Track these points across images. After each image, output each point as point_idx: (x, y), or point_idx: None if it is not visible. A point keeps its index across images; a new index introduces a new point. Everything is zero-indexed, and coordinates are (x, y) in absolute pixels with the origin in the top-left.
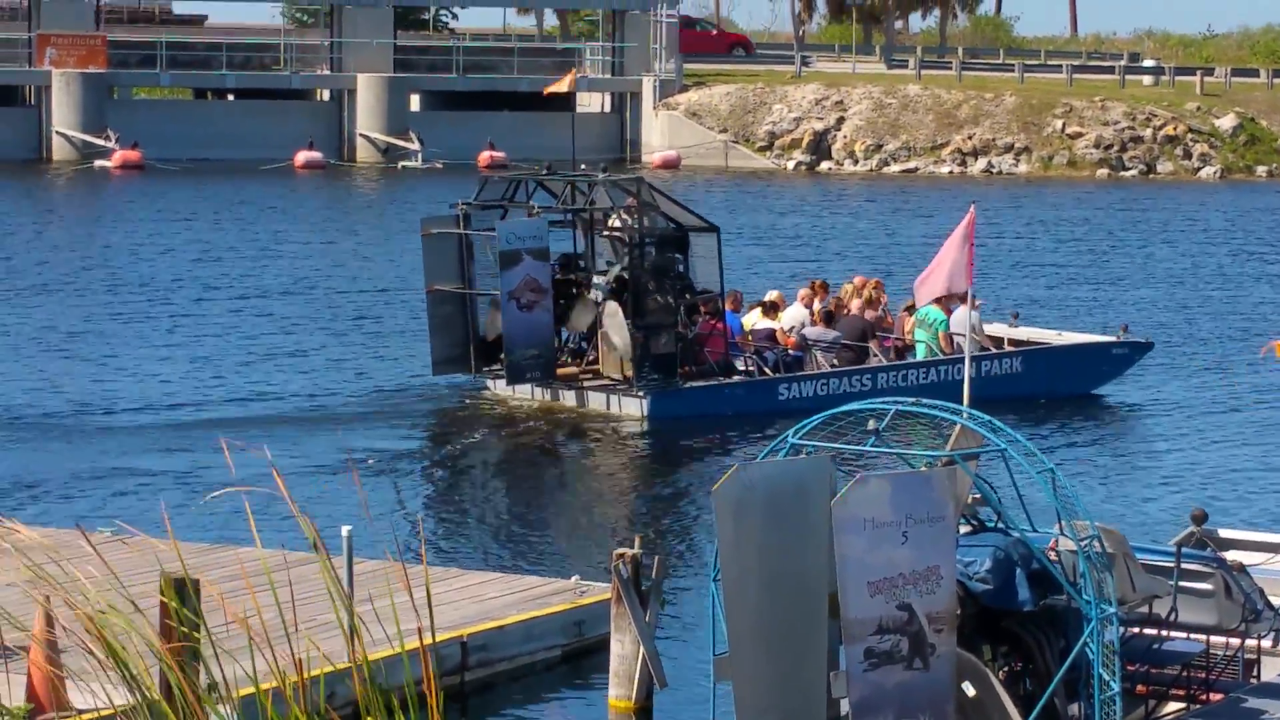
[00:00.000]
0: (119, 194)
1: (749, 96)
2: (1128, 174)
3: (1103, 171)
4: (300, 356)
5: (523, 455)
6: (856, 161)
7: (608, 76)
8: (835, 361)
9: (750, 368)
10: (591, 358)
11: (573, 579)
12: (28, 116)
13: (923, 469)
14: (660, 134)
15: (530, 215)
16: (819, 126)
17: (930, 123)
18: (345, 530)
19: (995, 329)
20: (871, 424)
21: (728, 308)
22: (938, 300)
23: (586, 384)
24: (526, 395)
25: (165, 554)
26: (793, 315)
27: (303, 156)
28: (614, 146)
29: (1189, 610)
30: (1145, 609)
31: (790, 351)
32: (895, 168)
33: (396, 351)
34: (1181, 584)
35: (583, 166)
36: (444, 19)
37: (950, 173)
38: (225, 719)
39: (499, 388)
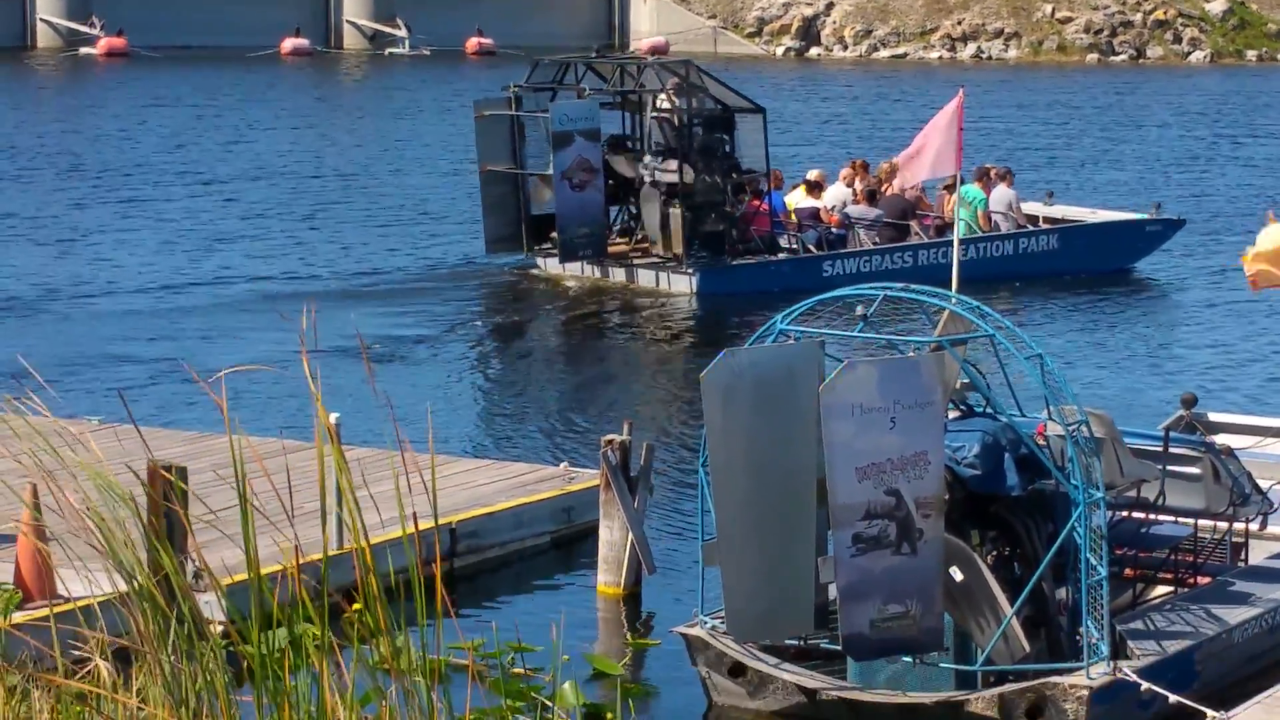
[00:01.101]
0: (107, 81)
1: None
2: (1117, 59)
3: (1092, 57)
4: (329, 239)
5: (550, 337)
6: (846, 47)
7: None
8: (877, 239)
9: (793, 246)
10: (640, 236)
11: (561, 465)
12: (12, 3)
13: (911, 354)
14: (649, 20)
15: (580, 97)
16: (808, 12)
17: (920, 8)
18: (334, 416)
19: (1030, 207)
20: (860, 310)
21: (771, 187)
22: (980, 180)
23: (636, 261)
24: (577, 273)
25: (155, 442)
26: (835, 194)
27: (289, 44)
28: (602, 32)
29: (1177, 494)
30: (1133, 493)
31: (833, 229)
32: (884, 53)
33: (440, 232)
34: (1169, 468)
35: (632, 51)
36: None
37: (940, 58)
38: (216, 605)
39: (550, 266)
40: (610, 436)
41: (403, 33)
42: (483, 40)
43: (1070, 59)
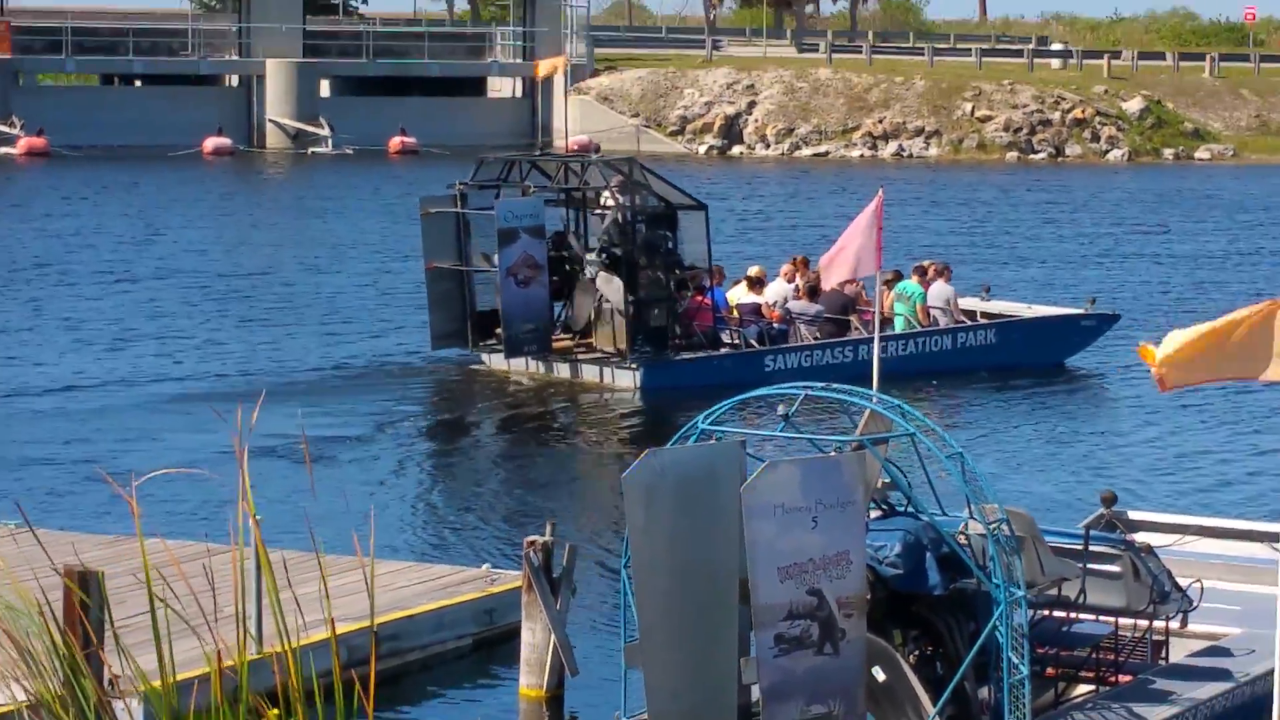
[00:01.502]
0: (26, 181)
1: (660, 81)
2: (1037, 157)
3: (1012, 155)
4: (253, 337)
5: (488, 434)
6: (768, 145)
7: (519, 61)
8: (818, 334)
9: (736, 341)
10: (584, 329)
11: (484, 567)
12: None
13: (832, 454)
14: (572, 119)
15: (525, 194)
16: (730, 111)
17: (841, 106)
18: (253, 520)
19: (968, 302)
20: (781, 409)
21: (714, 283)
22: (917, 275)
23: (581, 357)
24: (522, 368)
25: (74, 547)
26: (776, 290)
27: (211, 143)
28: (526, 131)
29: (1097, 592)
30: (1054, 591)
31: (774, 325)
32: (807, 151)
33: (372, 330)
34: (1090, 566)
35: (559, 149)
36: (354, 3)
37: (861, 156)
38: (131, 713)
39: (495, 362)
40: (532, 538)
41: (325, 132)
42: (406, 140)
43: (990, 157)
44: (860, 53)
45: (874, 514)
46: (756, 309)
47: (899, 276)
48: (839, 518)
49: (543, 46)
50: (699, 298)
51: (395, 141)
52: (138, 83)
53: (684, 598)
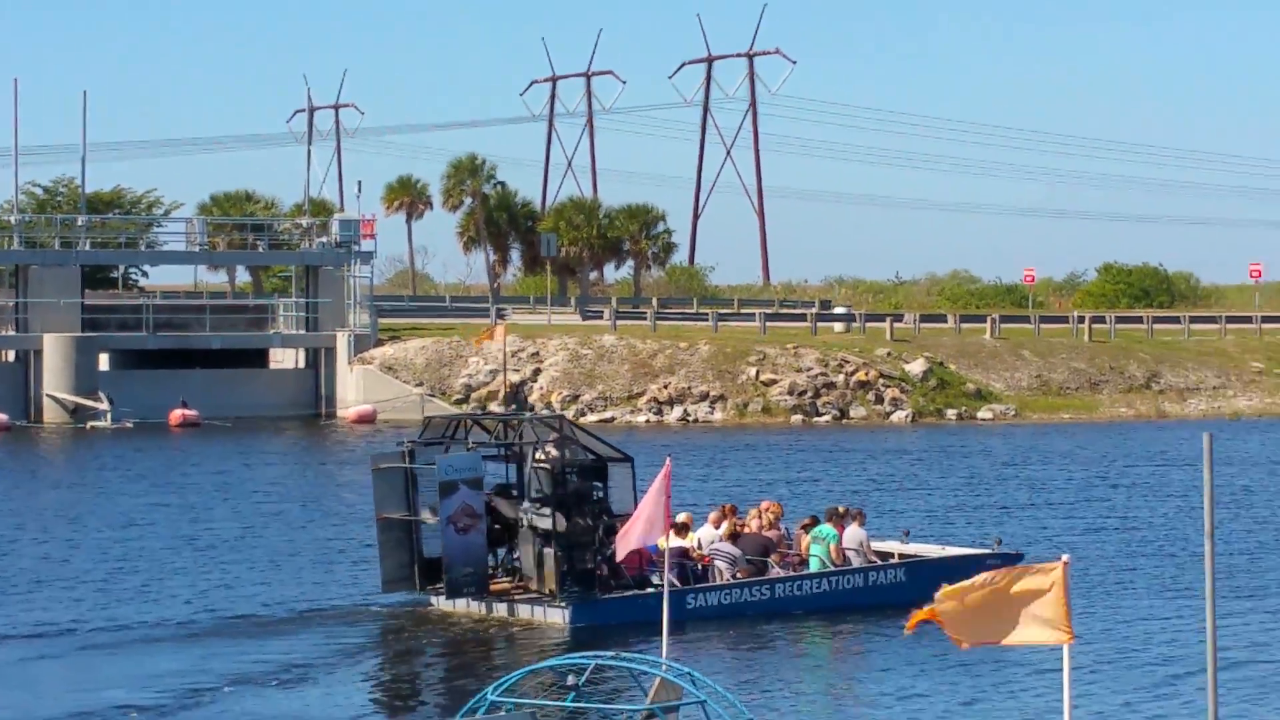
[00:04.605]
0: None
1: (445, 349)
2: (821, 419)
3: (797, 417)
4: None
5: (377, 685)
6: (554, 411)
7: (302, 332)
8: (739, 575)
9: (660, 582)
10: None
11: None
12: None
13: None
14: (356, 388)
15: (467, 450)
16: (515, 378)
17: (626, 372)
18: None
19: (888, 545)
20: (571, 679)
21: None
22: (831, 519)
23: (517, 597)
24: (464, 609)
25: None
26: (703, 535)
27: None
28: (309, 402)
29: None
30: None
31: (701, 566)
32: (592, 417)
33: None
34: None
35: (513, 408)
36: (134, 277)
37: (647, 421)
38: None
39: (440, 603)
40: None
41: (104, 406)
42: (187, 412)
43: (775, 420)
44: (645, 319)
45: None
46: (684, 552)
47: (815, 521)
48: None
49: (326, 317)
50: None
51: (176, 414)
52: None
53: None
